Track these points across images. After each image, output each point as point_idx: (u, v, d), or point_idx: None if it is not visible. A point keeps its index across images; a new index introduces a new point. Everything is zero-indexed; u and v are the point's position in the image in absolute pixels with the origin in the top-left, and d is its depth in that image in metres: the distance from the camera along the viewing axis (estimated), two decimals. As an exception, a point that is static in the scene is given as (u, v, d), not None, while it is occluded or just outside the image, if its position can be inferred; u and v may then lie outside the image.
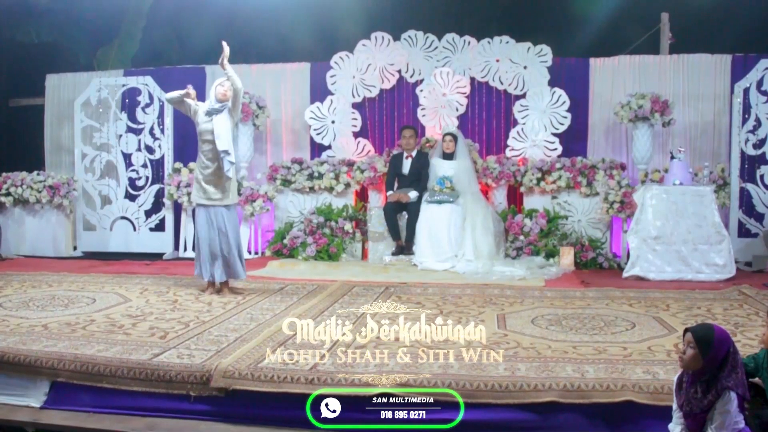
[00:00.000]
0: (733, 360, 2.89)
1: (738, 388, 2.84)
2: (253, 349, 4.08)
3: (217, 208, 5.80)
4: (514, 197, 8.45)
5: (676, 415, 3.04)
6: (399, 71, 8.82)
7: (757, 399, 3.15)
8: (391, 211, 7.91)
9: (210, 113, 5.72)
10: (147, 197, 8.98)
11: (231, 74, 5.65)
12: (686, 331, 2.99)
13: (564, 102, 8.37)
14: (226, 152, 5.65)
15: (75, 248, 9.01)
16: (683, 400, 2.96)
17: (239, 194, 8.07)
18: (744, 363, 3.12)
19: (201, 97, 8.92)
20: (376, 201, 8.47)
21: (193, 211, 6.37)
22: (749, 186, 7.93)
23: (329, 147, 8.89)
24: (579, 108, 8.50)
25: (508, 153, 8.49)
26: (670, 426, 3.07)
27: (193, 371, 3.73)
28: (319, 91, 8.98)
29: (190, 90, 5.87)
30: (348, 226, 8.14)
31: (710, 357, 2.87)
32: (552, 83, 8.46)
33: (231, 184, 5.86)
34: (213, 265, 5.83)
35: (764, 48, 8.35)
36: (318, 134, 8.89)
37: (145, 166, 8.98)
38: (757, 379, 3.23)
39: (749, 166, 7.93)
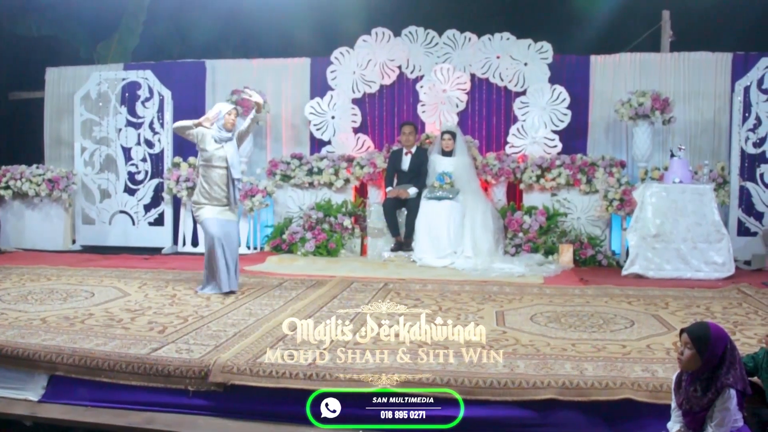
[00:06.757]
0: (731, 356, 2.88)
1: (737, 384, 2.84)
2: (252, 344, 4.08)
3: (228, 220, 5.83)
4: (514, 194, 8.44)
5: (675, 414, 3.04)
6: (399, 67, 8.79)
7: (755, 398, 3.16)
8: (391, 207, 7.90)
9: (220, 140, 5.78)
10: (146, 191, 8.96)
11: (248, 122, 5.96)
12: (682, 331, 2.98)
13: (564, 99, 8.35)
14: (240, 180, 5.89)
15: (74, 242, 9.00)
16: (682, 399, 2.96)
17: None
18: (743, 362, 3.12)
19: (200, 95, 9.09)
20: (376, 197, 8.46)
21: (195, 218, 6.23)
22: (749, 184, 7.92)
23: (329, 142, 8.87)
24: (579, 105, 8.47)
25: (508, 150, 8.47)
26: (669, 424, 3.07)
27: (191, 366, 3.74)
28: (319, 87, 8.95)
29: (206, 122, 5.84)
30: (347, 222, 8.13)
31: (708, 356, 2.86)
32: (552, 80, 8.44)
33: (236, 205, 5.96)
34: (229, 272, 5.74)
35: (765, 46, 8.32)
36: (318, 130, 8.87)
37: (144, 160, 8.97)
38: (755, 379, 3.23)
39: (749, 165, 7.93)
